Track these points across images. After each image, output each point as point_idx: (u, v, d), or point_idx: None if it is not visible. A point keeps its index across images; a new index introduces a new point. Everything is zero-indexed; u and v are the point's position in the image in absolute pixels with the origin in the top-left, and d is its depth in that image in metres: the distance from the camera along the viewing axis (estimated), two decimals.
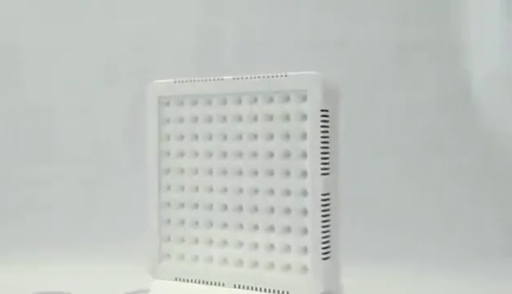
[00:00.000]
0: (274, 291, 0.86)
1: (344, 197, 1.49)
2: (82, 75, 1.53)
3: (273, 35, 1.53)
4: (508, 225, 1.43)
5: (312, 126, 0.83)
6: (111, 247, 1.39)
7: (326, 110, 0.84)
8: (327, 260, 0.83)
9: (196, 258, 0.96)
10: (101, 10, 1.54)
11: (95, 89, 1.53)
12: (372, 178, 1.49)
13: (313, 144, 0.83)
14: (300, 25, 1.53)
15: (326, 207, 0.83)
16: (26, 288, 1.08)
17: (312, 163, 0.83)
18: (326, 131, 0.83)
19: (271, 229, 0.88)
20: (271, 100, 0.88)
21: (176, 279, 0.97)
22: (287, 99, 0.87)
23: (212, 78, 0.93)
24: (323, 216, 0.83)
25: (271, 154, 0.88)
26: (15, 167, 1.50)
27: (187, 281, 0.95)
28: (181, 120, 0.97)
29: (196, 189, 0.96)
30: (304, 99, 0.85)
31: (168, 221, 0.99)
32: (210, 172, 0.94)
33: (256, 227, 0.89)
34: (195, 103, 0.96)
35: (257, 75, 0.90)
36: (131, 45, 1.54)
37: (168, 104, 0.99)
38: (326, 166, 0.83)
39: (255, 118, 0.90)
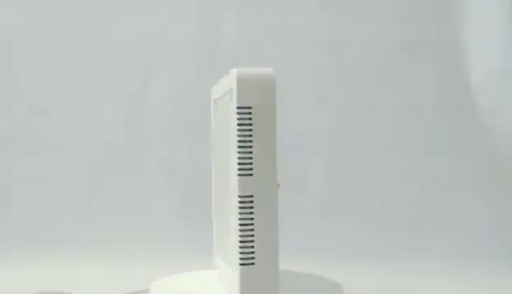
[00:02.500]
0: None
1: (338, 197, 1.51)
2: (81, 75, 1.51)
3: (273, 35, 1.54)
4: (508, 225, 1.40)
5: (232, 125, 0.80)
6: (112, 246, 1.39)
7: (247, 107, 0.79)
8: (250, 266, 0.78)
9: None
10: (100, 9, 1.54)
11: (94, 89, 1.52)
12: (372, 178, 1.46)
13: (232, 143, 0.79)
14: (300, 25, 1.53)
15: (246, 210, 0.78)
16: (26, 288, 1.08)
17: (232, 163, 0.80)
18: (247, 130, 0.79)
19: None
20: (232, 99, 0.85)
21: None
22: (231, 97, 0.84)
23: None
24: (241, 218, 0.78)
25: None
26: (14, 166, 1.48)
27: None
28: None
29: None
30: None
31: None
32: None
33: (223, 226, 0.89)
34: None
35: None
36: (130, 45, 1.54)
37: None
38: (246, 166, 0.78)
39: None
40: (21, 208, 1.46)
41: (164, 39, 1.51)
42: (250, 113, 0.79)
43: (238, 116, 0.78)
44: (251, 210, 0.78)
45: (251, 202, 0.78)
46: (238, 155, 0.78)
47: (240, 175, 0.78)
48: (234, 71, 0.81)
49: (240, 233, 0.78)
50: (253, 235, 0.78)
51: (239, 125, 0.78)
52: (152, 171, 1.48)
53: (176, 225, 1.44)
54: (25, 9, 1.51)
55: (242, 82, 0.79)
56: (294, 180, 1.45)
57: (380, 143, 1.48)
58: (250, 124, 0.78)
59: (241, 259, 0.78)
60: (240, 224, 0.78)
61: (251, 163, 0.78)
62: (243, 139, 0.79)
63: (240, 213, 0.78)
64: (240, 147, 0.78)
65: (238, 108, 0.78)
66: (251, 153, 0.78)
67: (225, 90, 0.88)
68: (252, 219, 0.78)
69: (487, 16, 1.48)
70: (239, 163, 0.78)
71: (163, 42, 1.52)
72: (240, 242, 0.78)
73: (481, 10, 1.48)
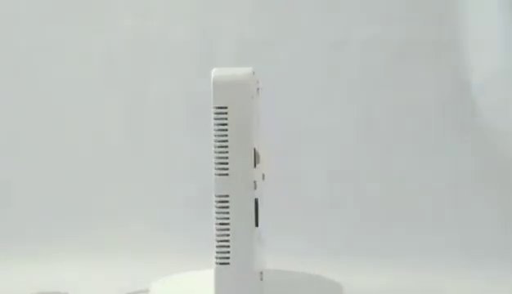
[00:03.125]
0: None
1: (338, 196, 1.51)
2: (81, 74, 1.52)
3: (273, 35, 1.53)
4: (508, 225, 1.40)
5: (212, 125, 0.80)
6: (111, 247, 1.40)
7: (223, 107, 0.80)
8: (226, 266, 0.80)
9: None
10: (100, 8, 1.54)
11: (95, 87, 1.51)
12: (372, 178, 1.45)
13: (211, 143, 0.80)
14: (299, 25, 1.52)
15: (222, 210, 0.80)
16: (26, 288, 1.08)
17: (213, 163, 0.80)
18: (222, 129, 0.80)
19: None
20: None
21: None
22: None
23: None
24: (217, 218, 0.80)
25: None
26: (14, 166, 1.48)
27: None
28: None
29: None
30: None
31: None
32: None
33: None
34: None
35: None
36: (130, 44, 1.54)
37: None
38: (223, 166, 0.80)
39: None
40: (21, 208, 1.46)
41: (164, 39, 1.51)
42: (226, 113, 0.79)
43: (214, 116, 0.80)
44: (227, 210, 0.79)
45: (227, 201, 0.80)
46: (215, 155, 0.80)
47: (216, 174, 0.80)
48: (213, 71, 0.82)
49: (216, 233, 0.80)
50: (228, 235, 0.80)
51: (215, 125, 0.80)
52: (152, 171, 1.48)
53: (176, 225, 1.44)
54: (25, 9, 1.52)
55: (218, 82, 0.80)
56: (294, 180, 1.45)
57: (380, 143, 1.48)
58: (226, 124, 0.80)
59: (217, 258, 0.80)
60: (217, 224, 0.80)
61: (227, 163, 0.80)
62: (219, 139, 0.80)
63: (216, 212, 0.79)
64: (216, 147, 0.80)
65: (214, 108, 0.80)
66: (227, 153, 0.80)
67: None
68: (227, 218, 0.80)
69: (487, 16, 1.48)
70: (215, 163, 0.80)
71: (163, 42, 1.52)
72: (217, 241, 0.80)
73: (481, 10, 1.47)
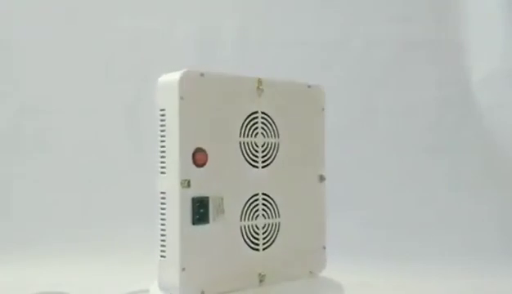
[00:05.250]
0: None
1: (338, 197, 1.50)
2: (82, 73, 1.52)
3: (273, 34, 1.54)
4: (508, 225, 1.42)
5: None
6: (111, 247, 1.40)
7: (162, 110, 0.83)
8: (163, 259, 0.83)
9: None
10: (101, 8, 1.55)
11: (95, 87, 1.53)
12: (372, 178, 1.46)
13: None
14: (300, 25, 1.53)
15: (162, 206, 0.83)
16: (26, 288, 1.09)
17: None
18: (162, 130, 0.83)
19: None
20: None
21: None
22: None
23: None
24: (160, 214, 0.83)
25: None
26: (14, 166, 1.49)
27: None
28: None
29: None
30: None
31: None
32: None
33: None
34: None
35: None
36: (131, 43, 1.55)
37: None
38: (162, 164, 0.83)
39: None
40: (21, 209, 1.46)
41: (164, 39, 1.51)
42: (164, 115, 0.83)
43: (159, 118, 0.83)
44: (164, 206, 0.83)
45: (164, 198, 0.83)
46: (159, 155, 0.83)
47: (160, 172, 0.84)
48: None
49: (160, 227, 0.83)
50: (164, 230, 0.83)
51: (159, 126, 0.83)
52: (152, 170, 1.48)
53: None
54: (25, 8, 1.52)
55: (159, 86, 0.84)
56: None
57: (380, 143, 1.48)
58: (164, 125, 0.83)
59: (160, 252, 0.84)
60: (160, 219, 0.83)
61: (164, 162, 0.83)
62: (160, 139, 0.83)
63: (160, 208, 0.83)
64: (160, 147, 0.83)
65: (159, 110, 0.83)
66: (164, 152, 0.83)
67: None
68: (164, 214, 0.83)
69: (487, 16, 1.48)
70: (159, 162, 0.84)
71: (163, 42, 1.52)
72: (160, 235, 0.84)
73: (481, 10, 1.47)
